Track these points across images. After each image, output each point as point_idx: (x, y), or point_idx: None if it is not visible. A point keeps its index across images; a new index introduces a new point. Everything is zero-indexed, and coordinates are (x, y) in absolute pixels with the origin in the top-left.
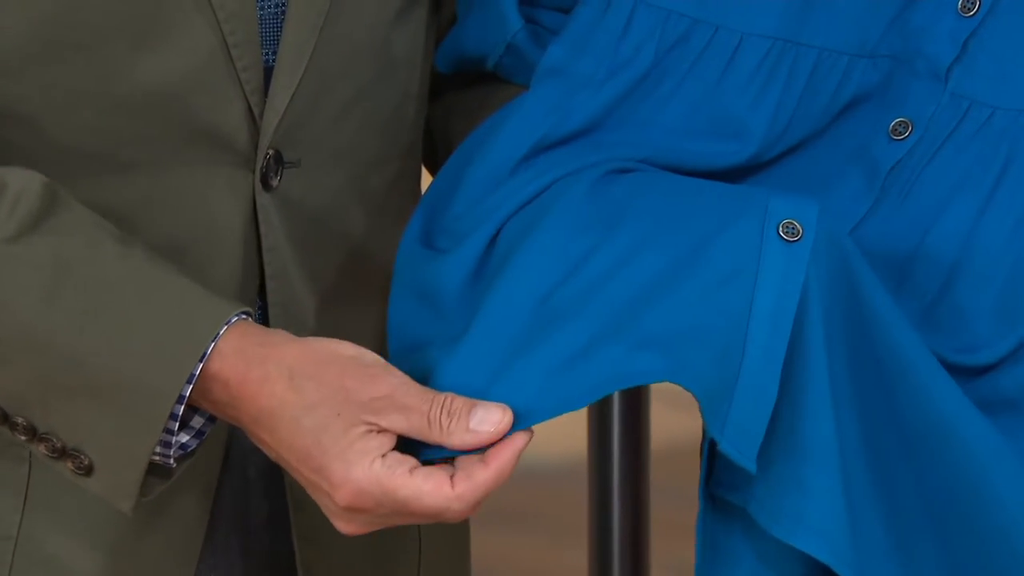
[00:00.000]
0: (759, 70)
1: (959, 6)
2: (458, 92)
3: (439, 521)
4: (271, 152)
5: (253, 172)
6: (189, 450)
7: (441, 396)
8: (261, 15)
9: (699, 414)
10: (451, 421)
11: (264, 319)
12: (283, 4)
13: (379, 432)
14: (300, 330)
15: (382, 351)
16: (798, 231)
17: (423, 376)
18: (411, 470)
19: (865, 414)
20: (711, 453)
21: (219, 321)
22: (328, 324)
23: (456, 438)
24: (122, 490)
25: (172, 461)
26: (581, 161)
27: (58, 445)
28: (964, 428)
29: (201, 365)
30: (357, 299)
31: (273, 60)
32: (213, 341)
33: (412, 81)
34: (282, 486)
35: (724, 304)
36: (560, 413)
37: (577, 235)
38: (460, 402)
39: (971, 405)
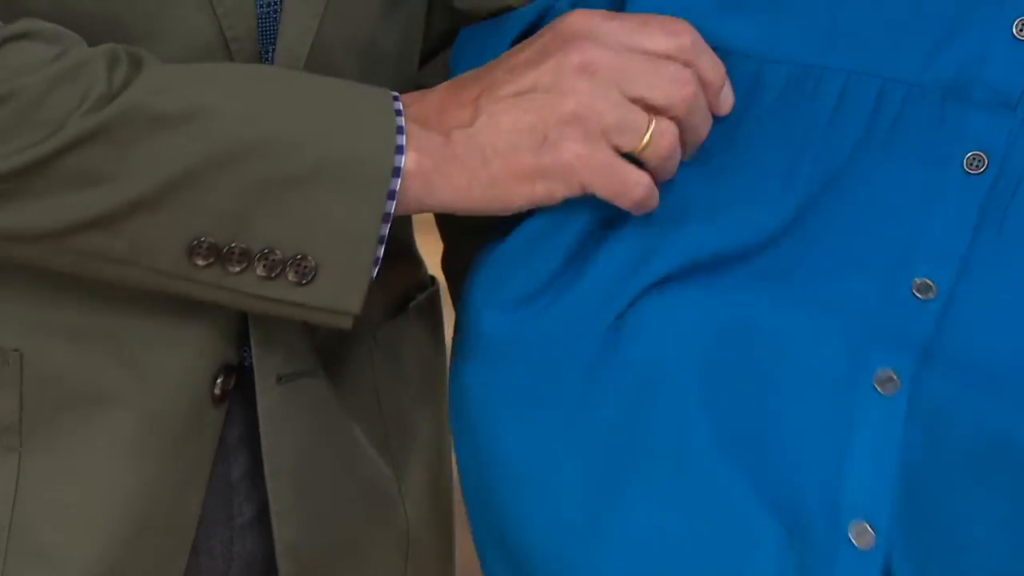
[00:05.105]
0: (780, 98)
1: (1015, 30)
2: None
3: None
4: None
5: None
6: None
7: None
8: (258, 11)
9: None
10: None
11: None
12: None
13: None
14: (305, 333)
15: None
16: None
17: None
18: None
19: None
20: None
21: (389, 96)
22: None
23: None
24: (350, 285)
25: (375, 275)
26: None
27: (279, 258)
28: None
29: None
30: None
31: (271, 55)
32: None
33: (403, 75)
34: (264, 489)
35: None
36: None
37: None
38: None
39: None
